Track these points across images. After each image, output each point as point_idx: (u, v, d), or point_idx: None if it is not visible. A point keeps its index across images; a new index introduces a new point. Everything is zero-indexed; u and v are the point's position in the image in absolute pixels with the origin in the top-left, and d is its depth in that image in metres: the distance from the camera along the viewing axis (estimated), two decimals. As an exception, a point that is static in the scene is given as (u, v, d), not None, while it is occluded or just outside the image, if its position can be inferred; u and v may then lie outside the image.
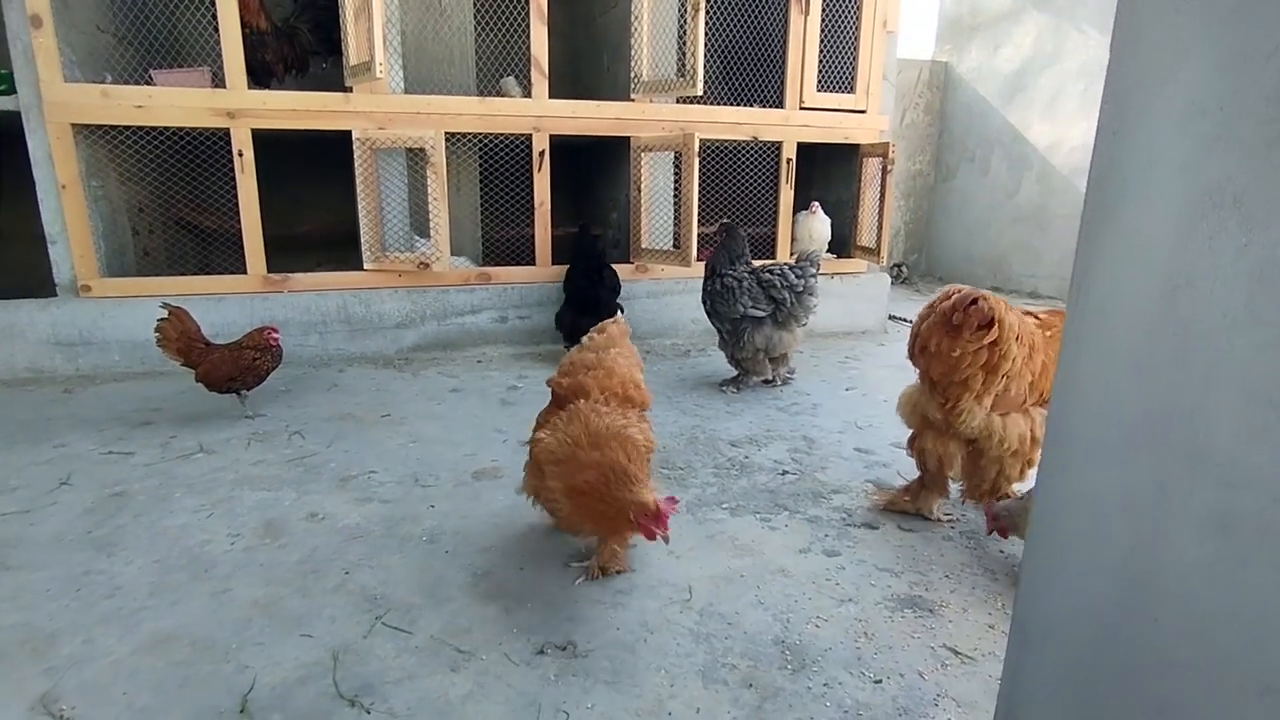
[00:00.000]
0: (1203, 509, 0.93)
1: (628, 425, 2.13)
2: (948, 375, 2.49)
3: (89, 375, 4.43)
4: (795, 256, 4.18)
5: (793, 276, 4.15)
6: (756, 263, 4.35)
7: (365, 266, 4.80)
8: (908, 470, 2.97)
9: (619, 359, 2.34)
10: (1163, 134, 0.95)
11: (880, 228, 5.62)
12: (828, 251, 5.91)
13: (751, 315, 4.13)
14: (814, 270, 4.21)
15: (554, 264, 5.24)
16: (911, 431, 2.76)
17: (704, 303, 4.35)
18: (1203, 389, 0.92)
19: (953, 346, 2.43)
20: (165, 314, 3.59)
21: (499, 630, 2.07)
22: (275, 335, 3.73)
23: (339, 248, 5.86)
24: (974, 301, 2.40)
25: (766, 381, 4.43)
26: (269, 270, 4.68)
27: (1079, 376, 1.08)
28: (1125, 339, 1.01)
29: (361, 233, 4.75)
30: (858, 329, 5.98)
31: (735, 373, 4.40)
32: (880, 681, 1.90)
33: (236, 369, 3.61)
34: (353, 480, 3.02)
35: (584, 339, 2.49)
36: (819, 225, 5.70)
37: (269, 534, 2.59)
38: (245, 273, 4.65)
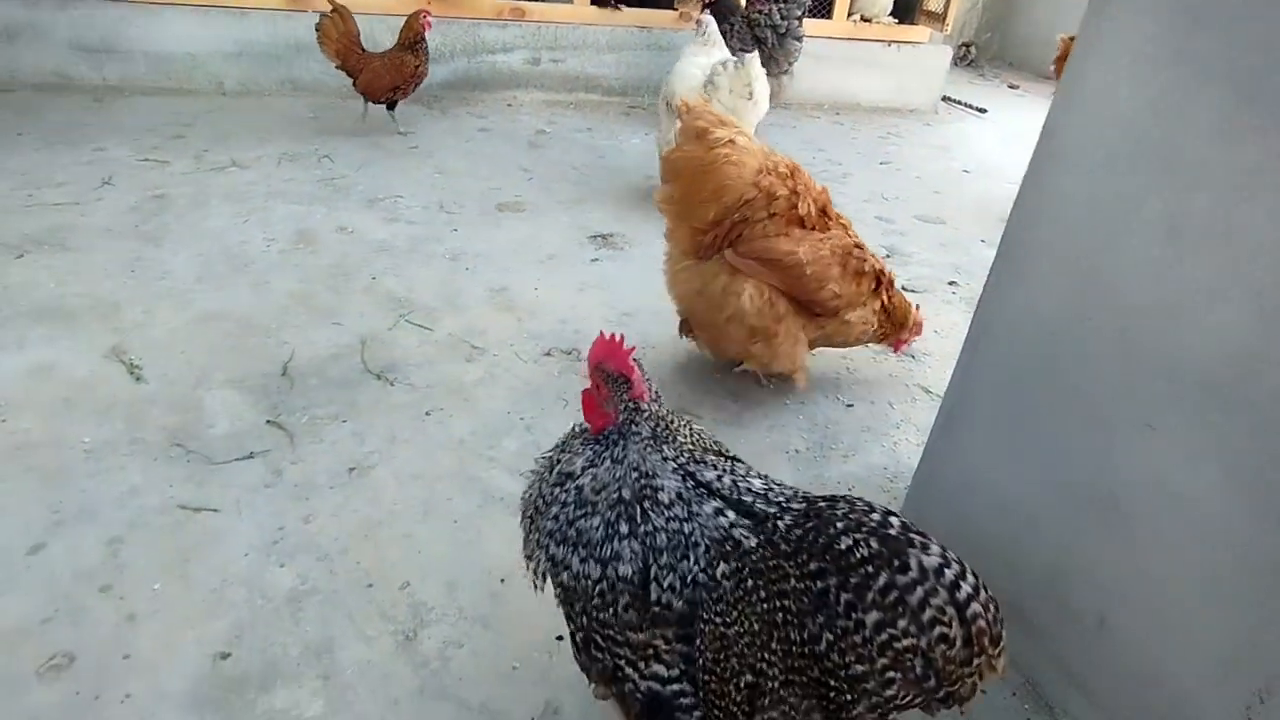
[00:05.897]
0: (1158, 214, 0.98)
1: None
2: None
3: (116, 86, 4.40)
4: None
5: (777, 16, 4.12)
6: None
7: (391, -11, 4.51)
8: (926, 243, 3.04)
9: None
10: None
11: (952, -10, 5.08)
12: (890, 15, 5.42)
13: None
14: (799, 11, 4.13)
15: (593, 4, 4.89)
16: None
17: None
18: (1198, 81, 0.92)
19: None
20: (328, 9, 3.69)
21: (511, 334, 2.26)
22: (429, 17, 3.82)
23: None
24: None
25: None
26: (291, -14, 4.42)
27: (1084, 80, 1.07)
28: (1136, 35, 0.99)
29: (386, -51, 4.40)
30: (906, 106, 5.64)
31: None
32: (852, 405, 2.09)
33: (400, 78, 3.75)
34: (380, 202, 3.12)
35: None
36: (885, -22, 5.18)
37: (301, 241, 2.74)
38: (267, -14, 4.40)
